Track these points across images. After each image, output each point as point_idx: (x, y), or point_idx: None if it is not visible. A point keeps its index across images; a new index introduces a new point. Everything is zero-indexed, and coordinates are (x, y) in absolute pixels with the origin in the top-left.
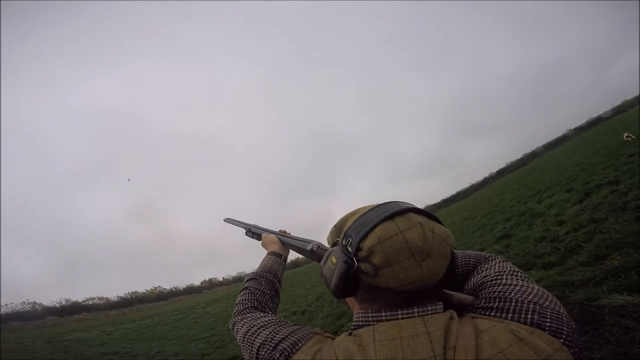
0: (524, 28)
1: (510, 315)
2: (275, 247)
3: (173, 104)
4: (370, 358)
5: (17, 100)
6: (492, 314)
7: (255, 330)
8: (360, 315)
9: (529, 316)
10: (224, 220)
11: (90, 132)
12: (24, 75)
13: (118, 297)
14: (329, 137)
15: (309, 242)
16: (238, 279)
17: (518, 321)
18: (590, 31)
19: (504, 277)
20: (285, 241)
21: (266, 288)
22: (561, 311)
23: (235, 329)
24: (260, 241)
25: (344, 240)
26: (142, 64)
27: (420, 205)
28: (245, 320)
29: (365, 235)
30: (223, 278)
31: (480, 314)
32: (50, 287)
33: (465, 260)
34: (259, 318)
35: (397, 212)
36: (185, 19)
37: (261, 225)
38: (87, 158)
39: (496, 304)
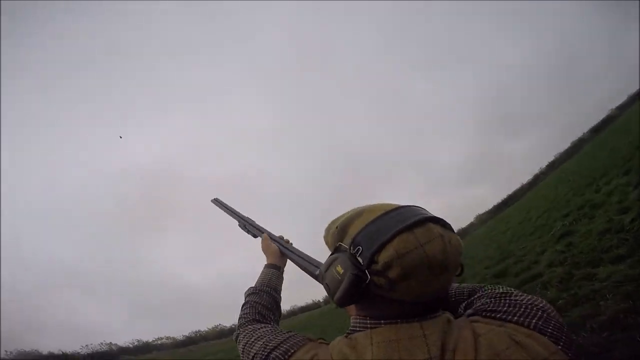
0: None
1: (515, 318)
2: (275, 259)
3: (200, 152)
4: (366, 359)
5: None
6: (498, 316)
7: (253, 341)
8: (358, 321)
9: (534, 321)
10: (212, 200)
11: (135, 190)
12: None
13: (183, 336)
14: (356, 158)
15: (316, 264)
16: (292, 313)
17: (522, 324)
18: None
19: (514, 292)
20: (289, 255)
21: (267, 302)
22: (563, 322)
23: (237, 341)
24: (255, 238)
25: (351, 248)
26: (161, 118)
27: (472, 215)
28: (245, 332)
29: (382, 247)
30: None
31: (484, 316)
32: (122, 328)
33: (459, 291)
34: (258, 329)
35: (416, 222)
36: (190, 65)
37: (257, 223)
38: (138, 214)
39: (505, 307)
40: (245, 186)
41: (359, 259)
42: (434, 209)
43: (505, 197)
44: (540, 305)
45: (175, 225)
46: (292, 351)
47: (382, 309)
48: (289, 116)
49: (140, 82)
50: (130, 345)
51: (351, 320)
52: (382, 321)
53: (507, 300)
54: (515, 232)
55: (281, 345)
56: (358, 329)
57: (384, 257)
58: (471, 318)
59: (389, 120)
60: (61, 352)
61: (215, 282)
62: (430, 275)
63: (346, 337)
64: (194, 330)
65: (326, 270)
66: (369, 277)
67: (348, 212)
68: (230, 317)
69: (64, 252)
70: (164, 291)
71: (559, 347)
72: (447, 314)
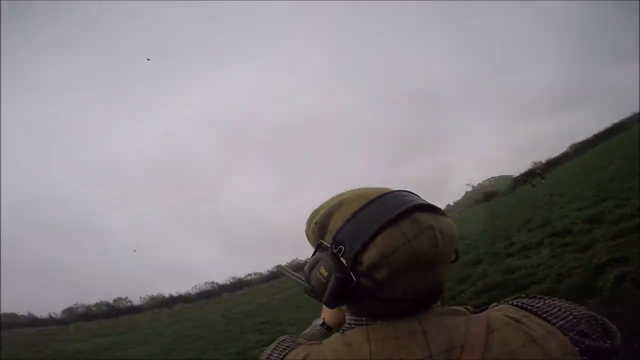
0: None
1: (544, 314)
2: (330, 320)
3: (269, 96)
4: (363, 358)
5: None
6: (525, 307)
7: None
8: (353, 318)
9: (560, 322)
10: (276, 267)
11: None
12: None
13: (267, 271)
14: (428, 89)
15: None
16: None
17: (546, 319)
18: None
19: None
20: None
21: None
22: (594, 330)
23: None
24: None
25: (333, 247)
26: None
27: (566, 143)
28: None
29: (365, 247)
30: None
31: (511, 304)
32: (221, 267)
33: None
34: None
35: (401, 213)
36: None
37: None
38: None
39: (535, 302)
40: (316, 128)
41: (342, 259)
42: (522, 138)
43: (610, 125)
44: (578, 312)
45: (258, 166)
46: (282, 356)
47: (373, 307)
48: (359, 52)
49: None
50: (228, 283)
51: (346, 318)
52: (379, 321)
53: (543, 300)
54: (619, 169)
55: (273, 353)
56: (353, 325)
57: (368, 257)
58: (495, 308)
59: (464, 45)
60: (178, 294)
61: (293, 218)
62: (419, 272)
63: (341, 334)
64: (276, 265)
65: (310, 272)
66: (355, 279)
67: (327, 203)
68: (304, 252)
69: (173, 196)
70: (251, 229)
71: (578, 348)
72: (458, 308)
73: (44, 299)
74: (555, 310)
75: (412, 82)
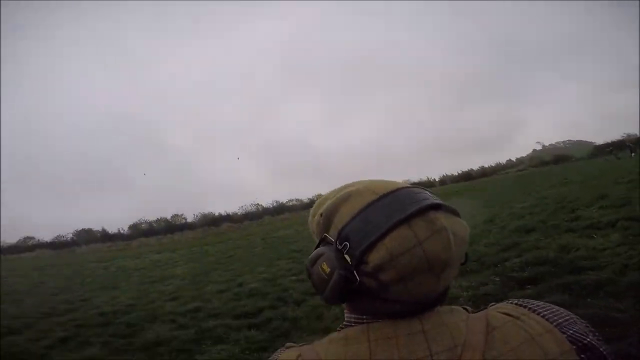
0: None
1: (542, 312)
2: None
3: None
4: (363, 358)
5: None
6: (526, 305)
7: None
8: (353, 316)
9: (560, 320)
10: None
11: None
12: None
13: (308, 199)
14: (511, 33)
15: None
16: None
17: (545, 318)
18: None
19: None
20: None
21: None
22: (593, 332)
23: None
24: None
25: (338, 243)
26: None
27: None
28: None
29: (372, 246)
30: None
31: (510, 303)
32: (266, 190)
33: None
34: None
35: (414, 212)
36: None
37: None
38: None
39: (536, 302)
40: (375, 62)
41: (347, 256)
42: (617, 107)
43: None
44: (575, 316)
45: (310, 95)
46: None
47: (375, 307)
48: None
49: None
50: (271, 206)
51: (345, 315)
52: (380, 319)
53: (542, 302)
54: None
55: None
56: (353, 323)
57: (375, 258)
58: (493, 307)
59: None
60: (226, 213)
61: (337, 149)
62: (430, 275)
63: (339, 331)
64: (317, 194)
65: (312, 266)
66: (358, 278)
67: (334, 194)
68: (347, 182)
69: (229, 118)
70: (296, 156)
71: (575, 347)
72: (457, 307)
73: (115, 215)
74: (554, 309)
75: (493, 23)
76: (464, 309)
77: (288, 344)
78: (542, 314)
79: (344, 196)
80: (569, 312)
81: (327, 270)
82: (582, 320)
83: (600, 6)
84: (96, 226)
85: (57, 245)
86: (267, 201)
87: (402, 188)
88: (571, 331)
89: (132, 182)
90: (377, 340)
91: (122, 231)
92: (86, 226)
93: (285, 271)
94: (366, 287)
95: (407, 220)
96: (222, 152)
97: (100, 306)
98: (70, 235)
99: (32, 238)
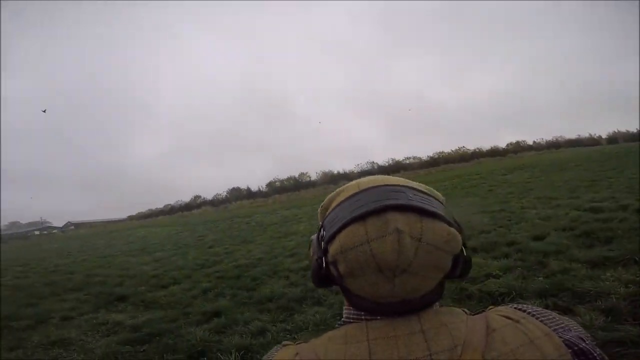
0: None
1: (541, 317)
2: None
3: None
4: (363, 357)
5: None
6: (524, 309)
7: None
8: (352, 311)
9: (556, 326)
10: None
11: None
12: None
13: (428, 156)
14: None
15: None
16: (552, 144)
17: (543, 322)
18: None
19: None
20: None
21: None
22: (587, 338)
23: None
24: None
25: (321, 231)
26: None
27: None
28: None
29: (332, 238)
30: (534, 142)
31: (510, 307)
32: (381, 148)
33: None
34: None
35: (370, 211)
36: None
37: None
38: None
39: (534, 308)
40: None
41: (322, 244)
42: None
43: None
44: (572, 323)
45: (426, 47)
46: (270, 358)
47: (354, 302)
48: None
49: None
50: (386, 164)
51: (344, 310)
52: (378, 315)
53: (541, 308)
54: None
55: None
56: (352, 320)
57: (332, 249)
58: (493, 310)
59: None
60: (343, 171)
61: (460, 102)
62: (381, 276)
63: (337, 328)
64: (438, 151)
65: (308, 249)
66: (324, 266)
67: (340, 188)
68: (474, 140)
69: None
70: (413, 112)
71: (571, 350)
72: (456, 309)
73: (258, 175)
74: (552, 315)
75: None
76: (463, 311)
77: (285, 342)
78: (540, 319)
79: (339, 190)
80: (567, 319)
81: (311, 254)
82: (578, 327)
83: None
84: (243, 184)
85: (216, 202)
86: (382, 159)
87: (382, 185)
88: (567, 336)
89: (268, 144)
90: (376, 339)
91: (261, 189)
92: (236, 185)
93: None
94: (333, 276)
95: (362, 217)
96: (342, 114)
97: (238, 259)
98: (225, 194)
99: (199, 197)
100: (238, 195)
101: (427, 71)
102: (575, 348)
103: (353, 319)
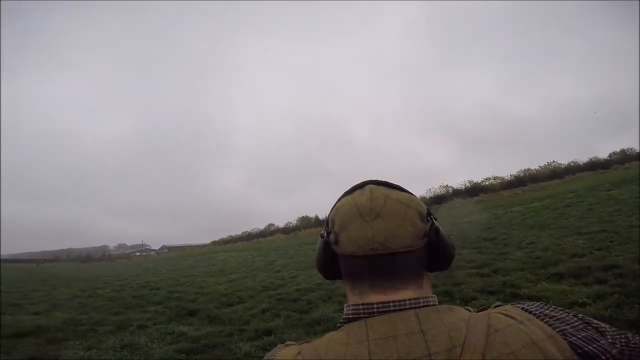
0: None
1: (546, 318)
2: None
3: None
4: (362, 357)
5: None
6: (528, 309)
7: None
8: (351, 307)
9: (563, 326)
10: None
11: None
12: None
13: (511, 175)
14: None
15: None
16: None
17: (548, 324)
18: None
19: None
20: None
21: None
22: (596, 338)
23: None
24: None
25: (329, 221)
26: None
27: None
28: None
29: (331, 211)
30: None
31: (515, 306)
32: (457, 170)
33: None
34: None
35: (356, 186)
36: None
37: None
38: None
39: (541, 308)
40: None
41: (327, 227)
42: None
43: None
44: (586, 318)
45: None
46: (272, 358)
47: (347, 271)
48: None
49: None
50: (462, 187)
51: (345, 308)
52: (375, 304)
53: (546, 305)
54: None
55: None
56: (351, 316)
57: (330, 216)
58: (497, 309)
59: None
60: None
61: (543, 111)
62: (362, 221)
63: (338, 329)
64: (523, 169)
65: (317, 249)
66: (326, 236)
67: None
68: (567, 154)
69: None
70: (488, 126)
71: (577, 352)
72: (457, 307)
73: (322, 203)
74: (560, 316)
75: None
76: (466, 309)
77: (288, 342)
78: (545, 320)
79: (348, 191)
80: (580, 318)
81: (318, 242)
82: (593, 327)
83: None
84: (311, 213)
85: (287, 230)
86: (457, 182)
87: (372, 180)
88: (574, 338)
89: (333, 173)
90: (376, 340)
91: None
92: (305, 214)
93: (465, 262)
94: (331, 243)
95: (351, 191)
96: (402, 138)
97: (299, 283)
98: (295, 222)
99: (273, 224)
100: (307, 223)
101: (500, 81)
102: (580, 351)
103: (352, 315)
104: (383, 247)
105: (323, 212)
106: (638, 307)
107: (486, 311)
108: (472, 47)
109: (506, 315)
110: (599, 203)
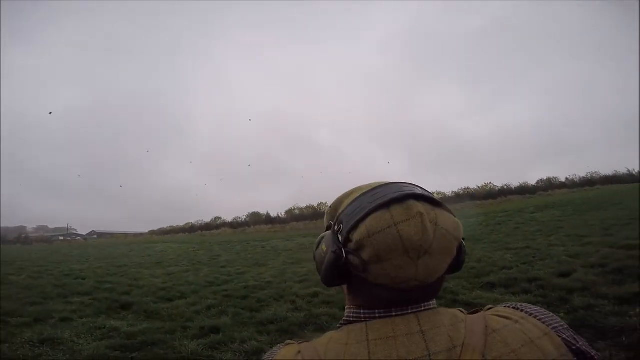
0: None
1: (539, 316)
2: None
3: None
4: (362, 358)
5: None
6: (522, 309)
7: None
8: (352, 311)
9: (554, 324)
10: None
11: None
12: None
13: (452, 192)
14: None
15: None
16: (587, 182)
17: (542, 321)
18: None
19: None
20: None
21: None
22: (581, 339)
23: None
24: None
25: (336, 226)
26: None
27: None
28: None
29: (356, 225)
30: (566, 179)
31: (506, 306)
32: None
33: None
34: None
35: (394, 199)
36: None
37: None
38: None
39: (531, 308)
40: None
41: (339, 236)
42: None
43: None
44: (565, 324)
45: (448, 79)
46: (272, 357)
47: (367, 293)
48: None
49: None
50: None
51: (346, 310)
52: (377, 311)
53: (536, 307)
54: None
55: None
56: (352, 319)
57: (357, 235)
58: (491, 310)
59: None
60: None
61: (489, 135)
62: (406, 259)
63: (338, 329)
64: (463, 187)
65: (316, 249)
66: (344, 255)
67: (343, 193)
68: (502, 176)
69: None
70: (437, 145)
71: (572, 348)
72: (454, 309)
73: (275, 201)
74: (549, 314)
75: None
76: (460, 311)
77: (287, 341)
78: (538, 318)
79: (350, 191)
80: (560, 319)
81: (325, 249)
82: (569, 328)
83: None
84: (263, 210)
85: (235, 224)
86: None
87: (393, 183)
88: (565, 335)
89: (290, 172)
90: (375, 340)
91: (280, 215)
92: (256, 210)
93: None
94: (353, 266)
95: (387, 204)
96: (362, 145)
97: (248, 280)
98: (245, 217)
99: (220, 218)
100: (257, 219)
101: (454, 102)
102: (573, 347)
103: (353, 317)
104: (422, 283)
105: (275, 210)
106: (559, 315)
107: (480, 313)
108: (441, 66)
109: (500, 316)
110: (524, 223)
